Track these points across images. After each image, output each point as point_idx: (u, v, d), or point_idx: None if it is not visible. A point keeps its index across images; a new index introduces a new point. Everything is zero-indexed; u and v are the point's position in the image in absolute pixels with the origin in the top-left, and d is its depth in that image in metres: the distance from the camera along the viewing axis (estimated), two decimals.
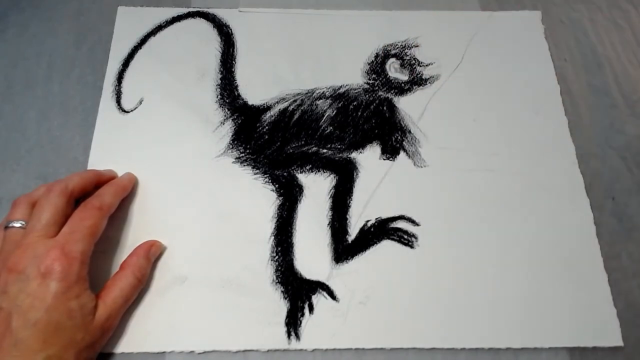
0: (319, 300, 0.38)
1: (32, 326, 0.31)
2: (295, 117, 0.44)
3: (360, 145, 0.43)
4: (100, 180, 0.39)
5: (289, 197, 0.41)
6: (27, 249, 0.33)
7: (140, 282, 0.36)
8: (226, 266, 0.38)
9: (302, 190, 0.41)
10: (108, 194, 0.38)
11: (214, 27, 0.49)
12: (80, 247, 0.33)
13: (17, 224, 0.35)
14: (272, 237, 0.40)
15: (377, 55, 0.47)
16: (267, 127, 0.44)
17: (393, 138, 0.44)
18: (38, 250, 0.33)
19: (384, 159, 0.43)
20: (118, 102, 0.45)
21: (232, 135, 0.44)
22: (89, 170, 0.41)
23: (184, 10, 0.49)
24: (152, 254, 0.38)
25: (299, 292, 0.38)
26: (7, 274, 0.32)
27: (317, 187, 0.42)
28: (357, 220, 0.40)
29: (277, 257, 0.39)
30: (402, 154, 0.43)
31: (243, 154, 0.43)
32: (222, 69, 0.47)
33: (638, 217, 0.42)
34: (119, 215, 0.40)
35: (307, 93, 0.46)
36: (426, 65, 0.47)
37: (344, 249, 0.39)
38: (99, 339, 0.34)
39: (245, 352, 0.36)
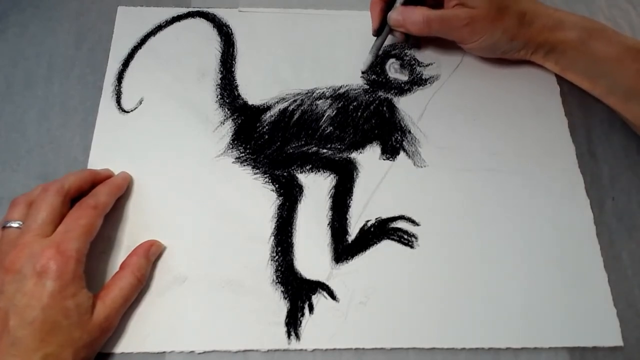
0: (319, 300, 0.38)
1: (29, 325, 0.31)
2: (295, 117, 0.44)
3: (360, 145, 0.43)
4: (96, 180, 0.39)
5: (289, 197, 0.41)
6: (23, 248, 0.33)
7: (140, 282, 0.36)
8: (226, 266, 0.38)
9: (302, 190, 0.41)
10: (103, 193, 0.38)
11: (214, 27, 0.49)
12: (75, 245, 0.34)
13: (15, 224, 0.35)
14: (272, 237, 0.40)
15: (377, 56, 0.47)
16: (267, 127, 0.44)
17: (393, 138, 0.44)
18: (34, 250, 0.33)
19: (384, 159, 0.43)
20: (118, 102, 0.45)
21: (232, 135, 0.44)
22: (84, 169, 0.41)
23: (184, 10, 0.49)
24: (152, 253, 0.38)
25: (299, 292, 0.38)
26: (3, 273, 0.33)
27: (317, 187, 0.42)
28: (357, 220, 0.40)
29: (277, 257, 0.39)
30: (402, 154, 0.43)
31: (243, 154, 0.43)
32: (222, 69, 0.47)
33: (638, 217, 0.42)
34: (119, 215, 0.40)
35: (307, 93, 0.46)
36: (426, 65, 0.47)
37: (344, 249, 0.39)
38: (98, 339, 0.34)
39: (245, 352, 0.36)
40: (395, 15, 0.43)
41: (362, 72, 0.46)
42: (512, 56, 0.45)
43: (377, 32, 0.45)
